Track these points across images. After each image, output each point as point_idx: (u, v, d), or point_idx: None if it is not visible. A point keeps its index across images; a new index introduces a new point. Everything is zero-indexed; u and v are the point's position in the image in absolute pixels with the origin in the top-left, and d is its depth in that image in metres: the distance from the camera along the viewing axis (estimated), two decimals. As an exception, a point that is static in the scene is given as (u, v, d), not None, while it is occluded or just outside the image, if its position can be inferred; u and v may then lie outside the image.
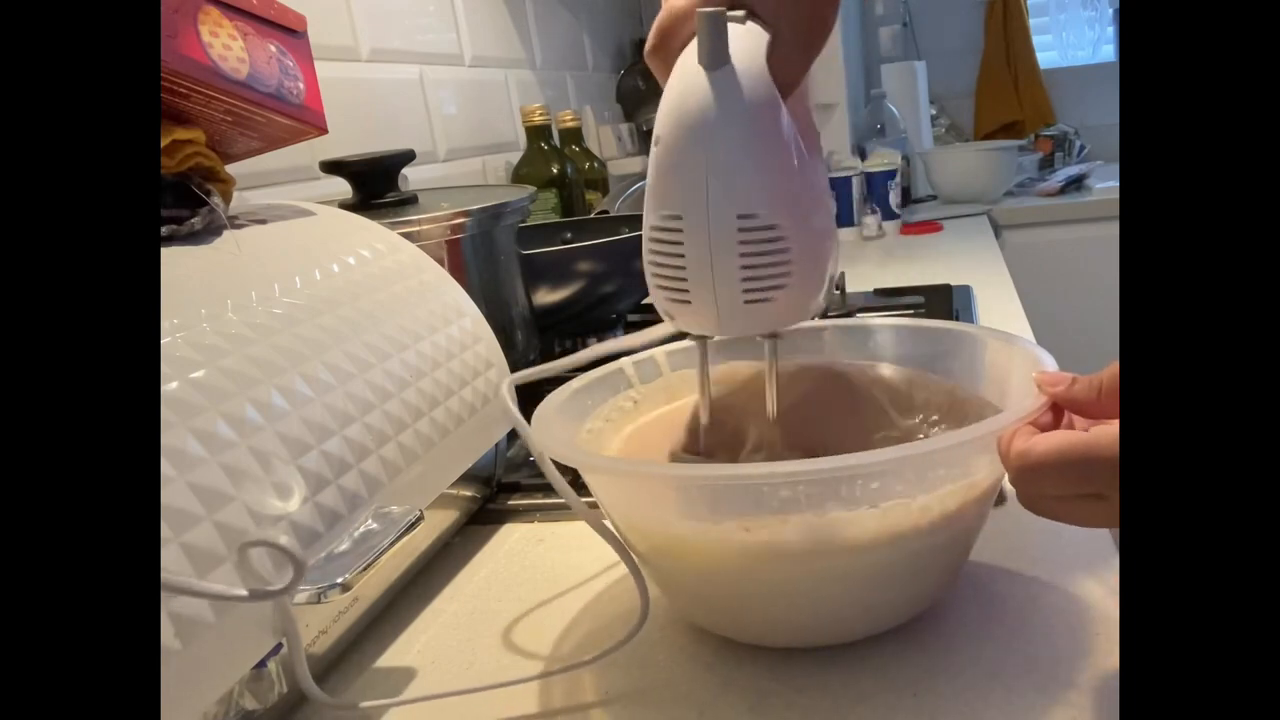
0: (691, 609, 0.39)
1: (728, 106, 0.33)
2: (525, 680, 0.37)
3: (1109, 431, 0.29)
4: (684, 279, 0.35)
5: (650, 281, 0.36)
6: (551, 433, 0.38)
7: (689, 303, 0.35)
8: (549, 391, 0.42)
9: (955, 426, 0.42)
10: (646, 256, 0.36)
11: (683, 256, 0.34)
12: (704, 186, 0.33)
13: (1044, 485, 0.30)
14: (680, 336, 0.42)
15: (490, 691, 0.37)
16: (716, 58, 0.32)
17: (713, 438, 0.42)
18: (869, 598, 0.35)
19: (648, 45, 0.36)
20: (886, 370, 0.46)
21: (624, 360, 0.46)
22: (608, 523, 0.38)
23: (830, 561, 0.33)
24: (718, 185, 0.33)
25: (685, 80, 0.33)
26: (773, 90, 0.33)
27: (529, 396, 0.54)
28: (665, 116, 0.34)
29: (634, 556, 0.38)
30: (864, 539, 0.33)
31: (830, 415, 0.44)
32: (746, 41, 0.33)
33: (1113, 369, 0.31)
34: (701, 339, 0.40)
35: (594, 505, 0.38)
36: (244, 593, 0.29)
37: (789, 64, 0.34)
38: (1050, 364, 0.37)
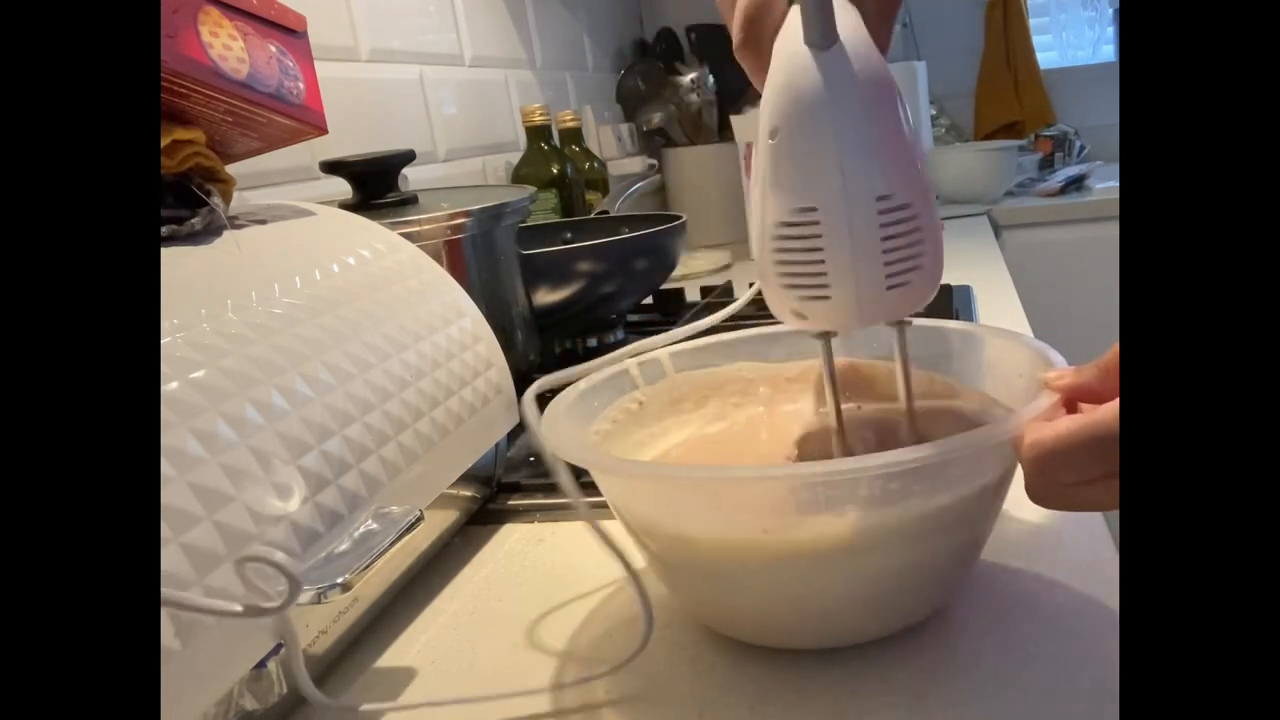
0: (703, 611, 0.39)
1: (848, 86, 0.31)
2: (530, 693, 0.37)
3: (1112, 408, 0.29)
4: (822, 273, 0.33)
5: (777, 282, 0.34)
6: (564, 435, 0.38)
7: (827, 298, 0.33)
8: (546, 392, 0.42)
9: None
10: (773, 257, 0.34)
11: (820, 250, 0.32)
12: (838, 172, 0.32)
13: (1058, 472, 0.30)
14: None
15: (490, 685, 0.37)
16: (827, 35, 0.31)
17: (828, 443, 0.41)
18: (885, 599, 0.35)
19: (737, 39, 0.34)
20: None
21: (629, 361, 0.46)
22: (615, 525, 0.38)
23: (848, 563, 0.33)
24: (852, 169, 0.32)
25: (795, 64, 0.32)
26: (884, 64, 0.32)
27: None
28: (780, 105, 0.32)
29: (643, 559, 0.38)
30: (881, 540, 0.33)
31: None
32: (846, 16, 0.32)
33: (1115, 349, 0.31)
34: (826, 336, 0.38)
35: (598, 506, 0.38)
36: (238, 608, 0.29)
37: (876, 36, 0.33)
38: (1058, 360, 0.37)
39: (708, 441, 0.46)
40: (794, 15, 0.32)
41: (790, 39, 0.32)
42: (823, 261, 0.33)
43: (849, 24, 0.32)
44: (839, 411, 0.40)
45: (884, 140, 0.32)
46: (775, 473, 0.33)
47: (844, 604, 0.35)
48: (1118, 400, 0.29)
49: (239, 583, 0.30)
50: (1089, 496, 0.30)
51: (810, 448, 0.43)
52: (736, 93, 1.61)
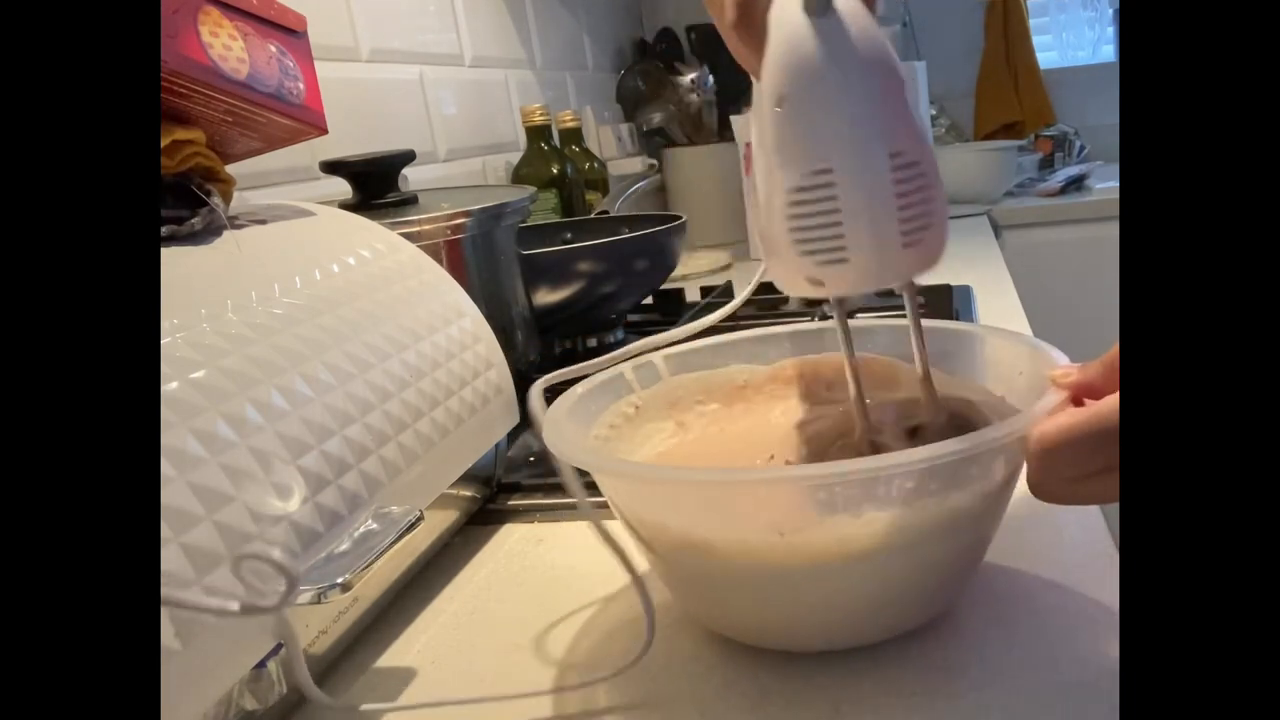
0: (709, 613, 0.39)
1: (850, 49, 0.32)
2: (531, 695, 0.37)
3: (1111, 401, 0.29)
4: (840, 234, 0.33)
5: (793, 251, 0.35)
6: (568, 439, 0.38)
7: (845, 260, 0.34)
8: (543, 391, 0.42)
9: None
10: (788, 224, 0.34)
11: (838, 211, 0.33)
12: (849, 132, 0.33)
13: (1061, 467, 0.30)
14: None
15: (491, 685, 0.37)
16: (823, 2, 0.32)
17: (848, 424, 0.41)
18: (898, 599, 0.35)
19: (730, 18, 0.35)
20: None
21: (624, 365, 0.46)
22: (617, 525, 0.38)
23: (865, 563, 0.33)
24: (864, 127, 0.33)
25: (795, 33, 0.33)
26: (879, 30, 0.33)
27: (526, 397, 0.54)
28: (785, 73, 0.33)
29: (645, 562, 0.38)
30: (900, 541, 0.33)
31: None
32: None
33: (1118, 345, 0.32)
34: (842, 305, 0.39)
35: (601, 507, 0.38)
36: (235, 607, 0.29)
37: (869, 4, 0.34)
38: (1060, 358, 0.37)
39: (704, 443, 0.46)
40: None
41: (787, 9, 0.33)
42: (840, 224, 0.33)
43: None
44: (860, 389, 0.40)
45: (888, 100, 0.33)
46: (793, 474, 0.33)
47: (857, 606, 0.35)
48: (1114, 397, 0.29)
49: (239, 582, 0.30)
50: (1091, 490, 0.30)
51: (818, 446, 0.43)
52: (736, 93, 1.61)
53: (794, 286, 0.37)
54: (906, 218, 0.33)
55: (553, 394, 0.41)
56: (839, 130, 0.33)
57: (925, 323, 0.45)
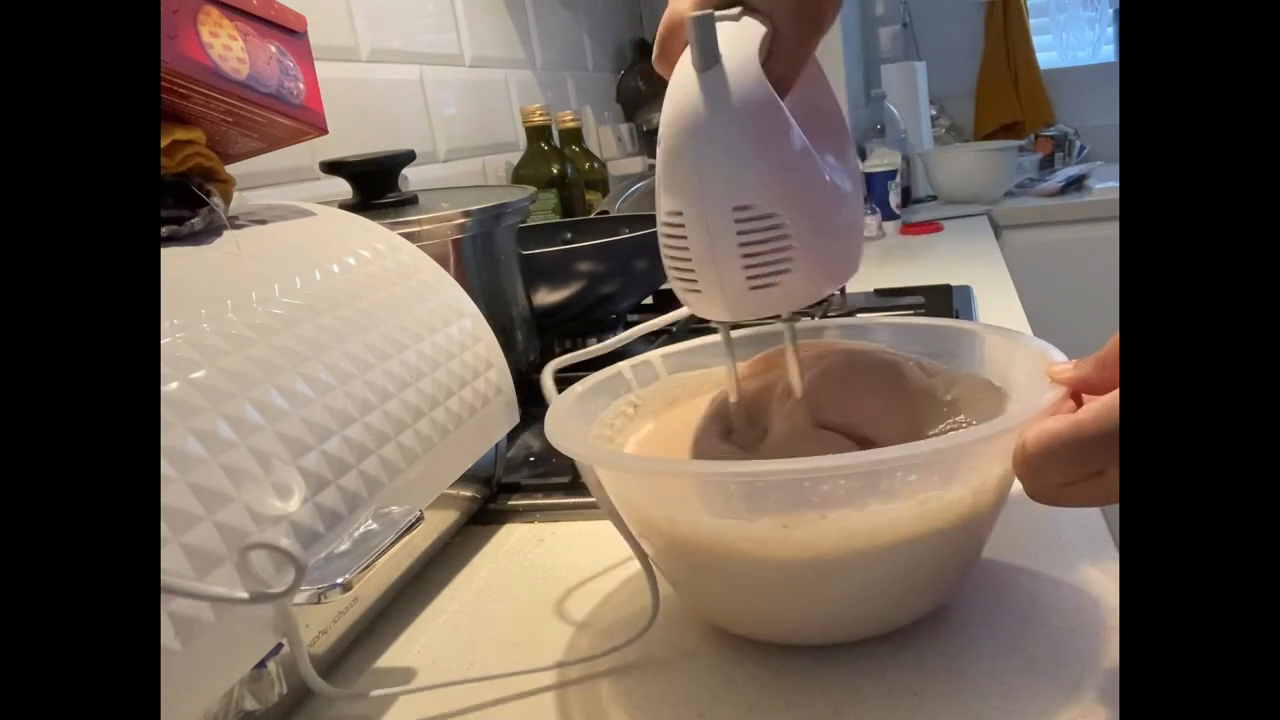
0: (710, 606, 0.39)
1: (717, 105, 0.34)
2: (532, 671, 0.37)
3: (1094, 408, 0.29)
4: (691, 269, 0.36)
5: (667, 272, 0.38)
6: (575, 436, 0.39)
7: (700, 291, 0.37)
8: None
9: (971, 410, 0.42)
10: (661, 250, 0.38)
11: (688, 250, 0.36)
12: (699, 183, 0.34)
13: (1046, 475, 0.31)
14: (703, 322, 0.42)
15: (493, 685, 0.37)
16: (706, 59, 0.34)
17: (740, 421, 0.43)
18: (899, 593, 0.36)
19: (654, 54, 0.38)
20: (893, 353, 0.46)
21: (621, 365, 0.46)
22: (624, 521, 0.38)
23: (867, 556, 0.34)
24: (712, 180, 0.34)
25: (679, 83, 0.35)
26: (763, 85, 0.34)
27: (526, 397, 0.54)
28: (664, 119, 0.35)
29: (648, 556, 0.38)
30: (903, 533, 0.33)
31: (852, 394, 0.44)
32: (739, 40, 0.34)
33: (1112, 341, 0.32)
34: (725, 325, 0.42)
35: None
36: (245, 595, 0.29)
37: (787, 57, 0.35)
38: (1058, 356, 0.37)
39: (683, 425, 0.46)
40: None
41: (684, 59, 0.35)
42: (690, 260, 0.36)
43: (740, 47, 0.34)
44: (738, 392, 0.43)
45: (751, 155, 0.34)
46: (794, 467, 0.33)
47: (856, 598, 0.35)
48: (1100, 401, 0.29)
49: (240, 581, 0.30)
50: (1082, 493, 0.31)
51: (739, 422, 0.43)
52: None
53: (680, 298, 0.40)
54: (751, 265, 0.35)
55: (563, 383, 0.43)
56: (690, 181, 0.35)
57: (925, 321, 0.46)
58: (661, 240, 0.37)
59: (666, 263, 0.38)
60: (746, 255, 0.35)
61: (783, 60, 0.35)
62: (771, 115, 0.34)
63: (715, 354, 0.49)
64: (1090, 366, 0.33)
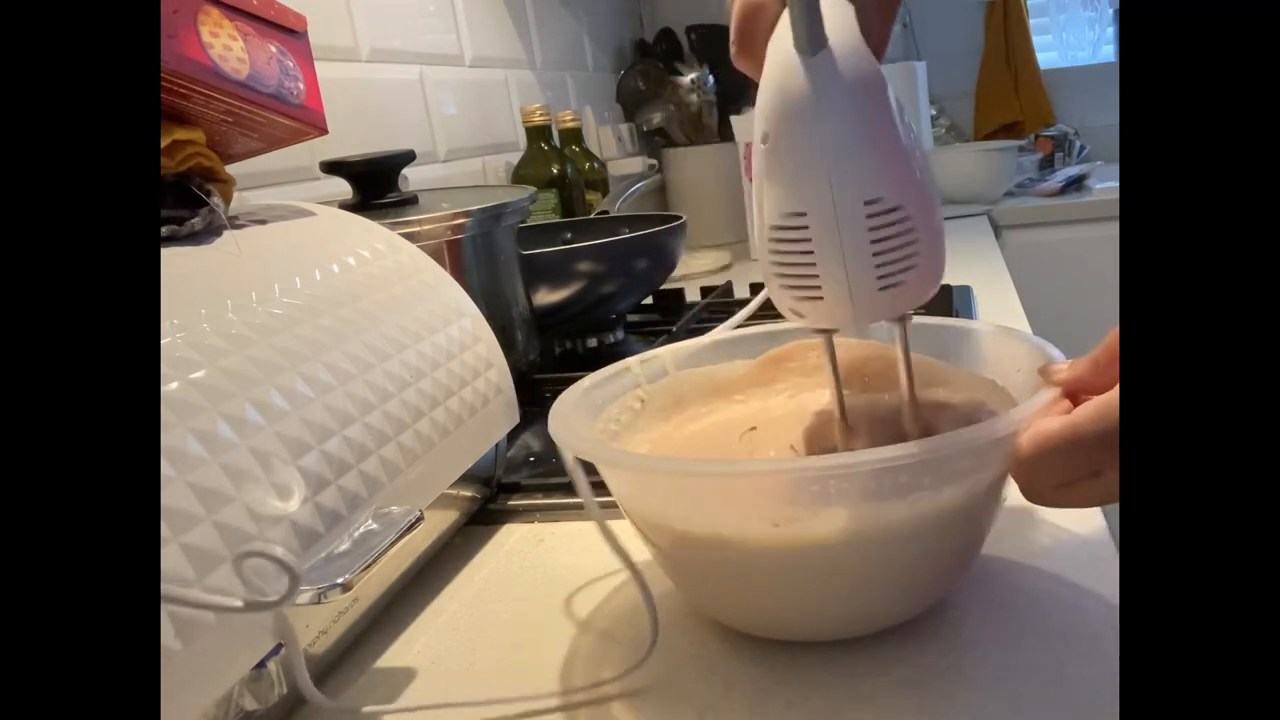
0: (710, 605, 0.39)
1: (834, 91, 0.31)
2: (535, 697, 0.37)
3: (1090, 409, 0.29)
4: (814, 275, 0.33)
5: (774, 282, 0.35)
6: (576, 432, 0.38)
7: (820, 298, 0.34)
8: (543, 388, 0.42)
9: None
10: (769, 258, 0.34)
11: (811, 254, 0.33)
12: (825, 179, 0.32)
13: (1040, 477, 0.31)
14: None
15: (492, 692, 0.37)
16: (814, 41, 0.31)
17: (843, 436, 0.41)
18: (893, 591, 0.36)
19: (733, 47, 0.34)
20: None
21: (630, 360, 0.46)
22: (620, 524, 0.38)
23: (859, 555, 0.34)
24: (839, 175, 0.32)
25: (783, 70, 0.32)
26: (876, 66, 0.32)
27: (526, 397, 0.54)
28: (770, 112, 0.32)
29: (649, 554, 0.38)
30: (893, 532, 0.33)
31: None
32: (838, 17, 0.32)
33: (1107, 341, 0.32)
34: (827, 332, 0.39)
35: (607, 505, 0.38)
36: (239, 604, 0.29)
37: (873, 34, 0.33)
38: (1056, 355, 0.37)
39: (699, 437, 0.46)
40: (785, 18, 0.32)
41: (781, 42, 0.32)
42: (814, 264, 0.33)
43: (841, 25, 0.32)
44: (842, 406, 0.41)
45: (873, 143, 0.32)
46: (786, 466, 0.33)
47: (850, 597, 0.35)
48: (1096, 402, 0.29)
49: (239, 582, 0.30)
50: (1079, 493, 0.31)
51: (811, 441, 0.43)
52: (736, 93, 1.61)
53: (783, 311, 0.37)
54: (882, 263, 0.33)
55: (563, 383, 0.42)
56: (815, 176, 0.32)
57: (925, 320, 0.46)
58: (772, 249, 0.34)
59: (775, 271, 0.34)
60: (878, 254, 0.32)
61: (871, 37, 0.32)
62: (885, 99, 0.32)
63: (724, 352, 0.49)
64: (1085, 366, 0.33)
